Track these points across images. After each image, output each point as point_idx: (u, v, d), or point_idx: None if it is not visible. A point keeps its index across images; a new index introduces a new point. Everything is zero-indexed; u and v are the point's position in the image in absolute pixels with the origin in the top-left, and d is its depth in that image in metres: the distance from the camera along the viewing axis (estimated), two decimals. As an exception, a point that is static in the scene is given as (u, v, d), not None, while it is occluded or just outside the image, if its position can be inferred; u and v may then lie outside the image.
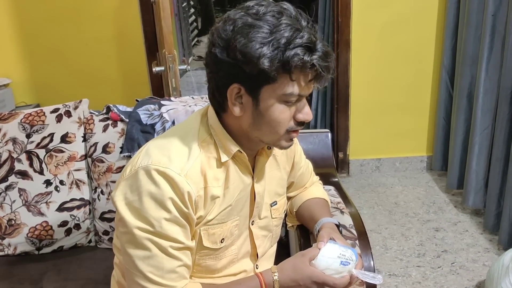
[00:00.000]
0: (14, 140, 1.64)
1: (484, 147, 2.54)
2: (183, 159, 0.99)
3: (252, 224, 1.16)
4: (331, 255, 1.07)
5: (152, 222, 0.95)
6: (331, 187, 1.61)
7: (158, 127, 1.62)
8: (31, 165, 1.63)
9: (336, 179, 1.70)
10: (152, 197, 0.95)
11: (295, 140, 1.27)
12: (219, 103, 1.03)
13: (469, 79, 2.66)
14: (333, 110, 3.24)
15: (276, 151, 1.19)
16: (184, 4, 5.39)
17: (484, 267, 2.23)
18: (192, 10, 6.22)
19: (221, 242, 1.08)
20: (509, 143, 2.29)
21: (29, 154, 1.63)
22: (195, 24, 6.41)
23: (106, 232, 1.66)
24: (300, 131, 1.29)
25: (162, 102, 1.69)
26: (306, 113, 1.00)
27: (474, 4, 2.52)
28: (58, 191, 1.63)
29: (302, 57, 0.91)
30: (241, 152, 1.05)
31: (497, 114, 2.39)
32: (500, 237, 2.32)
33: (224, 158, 1.04)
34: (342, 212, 1.42)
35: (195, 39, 6.30)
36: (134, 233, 0.95)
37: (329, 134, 1.80)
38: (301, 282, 1.03)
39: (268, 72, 0.92)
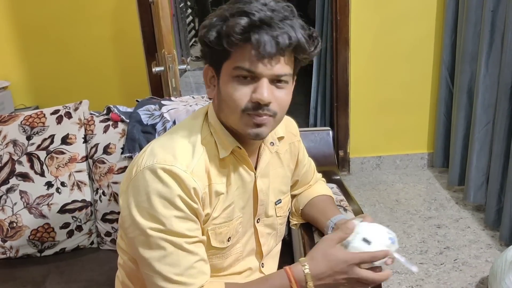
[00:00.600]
0: (14, 142, 1.64)
1: (485, 143, 2.54)
2: (188, 156, 0.99)
3: (258, 222, 1.16)
4: (381, 229, 1.04)
5: (163, 221, 0.94)
6: (333, 185, 1.60)
7: (159, 127, 1.61)
8: (32, 167, 1.62)
9: (338, 177, 1.70)
10: (160, 196, 0.94)
11: (298, 137, 1.26)
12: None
13: (469, 76, 2.66)
14: (333, 109, 3.23)
15: (279, 148, 1.18)
16: (182, 4, 5.38)
17: (487, 263, 2.23)
18: (189, 10, 6.21)
19: (228, 240, 1.08)
20: (509, 139, 2.29)
21: (30, 156, 1.63)
22: (192, 24, 6.40)
23: (108, 234, 1.66)
24: (300, 129, 1.29)
25: (163, 102, 1.69)
26: (259, 93, 0.94)
27: (473, 1, 2.52)
28: (59, 192, 1.62)
29: (241, 26, 0.90)
30: (240, 148, 1.05)
31: (497, 110, 2.39)
32: (501, 233, 2.32)
33: (222, 154, 1.03)
34: (345, 210, 1.42)
35: (193, 40, 6.28)
36: (147, 234, 0.94)
37: (330, 132, 1.79)
38: (336, 268, 0.97)
39: (214, 45, 0.94)
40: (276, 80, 0.96)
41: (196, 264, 0.97)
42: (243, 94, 0.95)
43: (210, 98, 1.07)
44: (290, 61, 0.97)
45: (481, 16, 2.47)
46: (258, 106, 0.95)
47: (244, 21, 0.90)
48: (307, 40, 0.95)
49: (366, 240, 1.01)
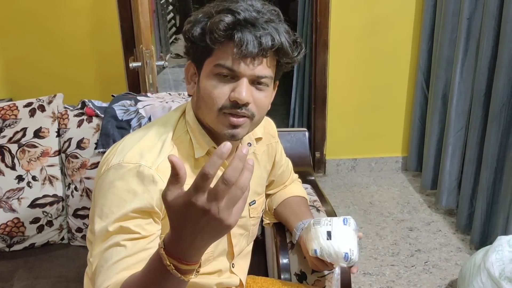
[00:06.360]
0: (-15, 134, 1.60)
1: (458, 148, 2.58)
2: (155, 153, 0.97)
3: (230, 223, 1.14)
4: (350, 242, 1.06)
5: (113, 218, 0.92)
6: (308, 186, 1.61)
7: (134, 123, 1.60)
8: (2, 160, 1.59)
9: (313, 178, 1.71)
10: (116, 193, 0.93)
11: (276, 139, 1.26)
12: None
13: (444, 81, 2.71)
14: (311, 110, 3.25)
15: (256, 149, 1.18)
16: (163, 1, 5.34)
17: (456, 266, 2.27)
18: (171, 7, 6.17)
19: None
20: (481, 145, 2.33)
21: (1, 149, 1.59)
22: (173, 21, 6.36)
23: (79, 229, 1.63)
24: (278, 129, 1.29)
25: (139, 97, 1.67)
26: (238, 92, 0.93)
27: (450, 8, 2.56)
28: (30, 187, 1.59)
29: (225, 24, 0.91)
30: (215, 148, 1.04)
31: (470, 116, 2.43)
32: (472, 237, 2.36)
33: (198, 154, 1.02)
34: (318, 210, 1.43)
35: (173, 37, 6.25)
36: (95, 229, 0.93)
37: (307, 133, 1.80)
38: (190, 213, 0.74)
39: (197, 41, 0.94)
40: (256, 82, 0.96)
41: (124, 260, 0.91)
42: (221, 92, 0.94)
43: (189, 95, 1.06)
44: (272, 64, 0.97)
45: (457, 23, 2.51)
46: (236, 105, 0.94)
47: (228, 18, 0.91)
48: (290, 44, 0.95)
49: (329, 234, 1.03)
